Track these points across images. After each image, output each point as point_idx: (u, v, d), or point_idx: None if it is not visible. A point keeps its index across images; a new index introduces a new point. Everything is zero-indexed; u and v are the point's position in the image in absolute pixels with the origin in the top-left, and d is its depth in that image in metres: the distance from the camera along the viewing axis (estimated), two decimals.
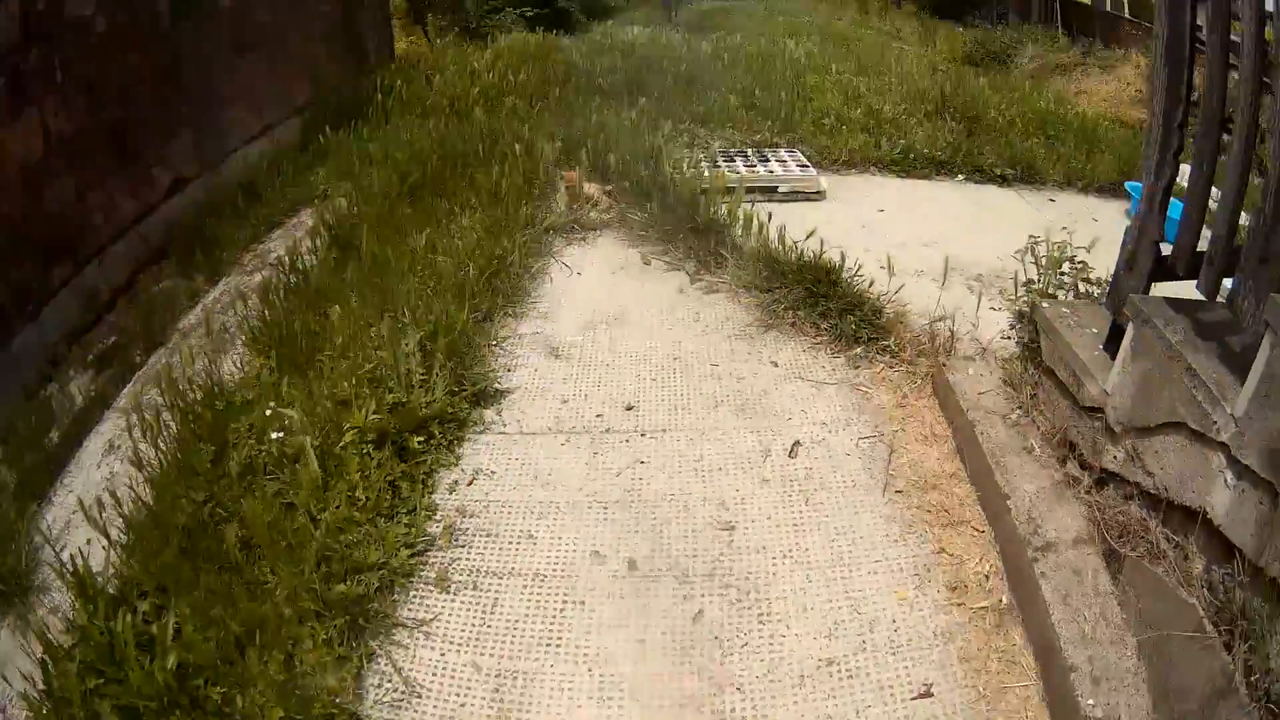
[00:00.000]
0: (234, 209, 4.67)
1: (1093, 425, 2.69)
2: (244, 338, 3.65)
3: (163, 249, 4.50)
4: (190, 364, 3.49)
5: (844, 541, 2.89)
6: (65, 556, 2.61)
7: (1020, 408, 3.21)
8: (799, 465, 3.18)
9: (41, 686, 2.15)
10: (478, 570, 2.74)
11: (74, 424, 3.52)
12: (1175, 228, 2.56)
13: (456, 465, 3.09)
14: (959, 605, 2.65)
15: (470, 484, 3.03)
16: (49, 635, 2.34)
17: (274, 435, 3.01)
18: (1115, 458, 2.58)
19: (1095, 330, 2.89)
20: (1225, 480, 2.06)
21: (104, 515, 2.78)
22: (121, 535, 2.73)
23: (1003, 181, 6.22)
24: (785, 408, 3.46)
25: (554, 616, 2.61)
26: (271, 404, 3.11)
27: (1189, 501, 2.22)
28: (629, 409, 3.41)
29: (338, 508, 2.74)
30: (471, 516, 2.91)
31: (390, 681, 2.45)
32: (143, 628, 2.39)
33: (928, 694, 2.41)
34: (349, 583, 2.56)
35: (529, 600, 2.66)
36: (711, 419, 3.38)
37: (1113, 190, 5.86)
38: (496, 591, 2.68)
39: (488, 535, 2.84)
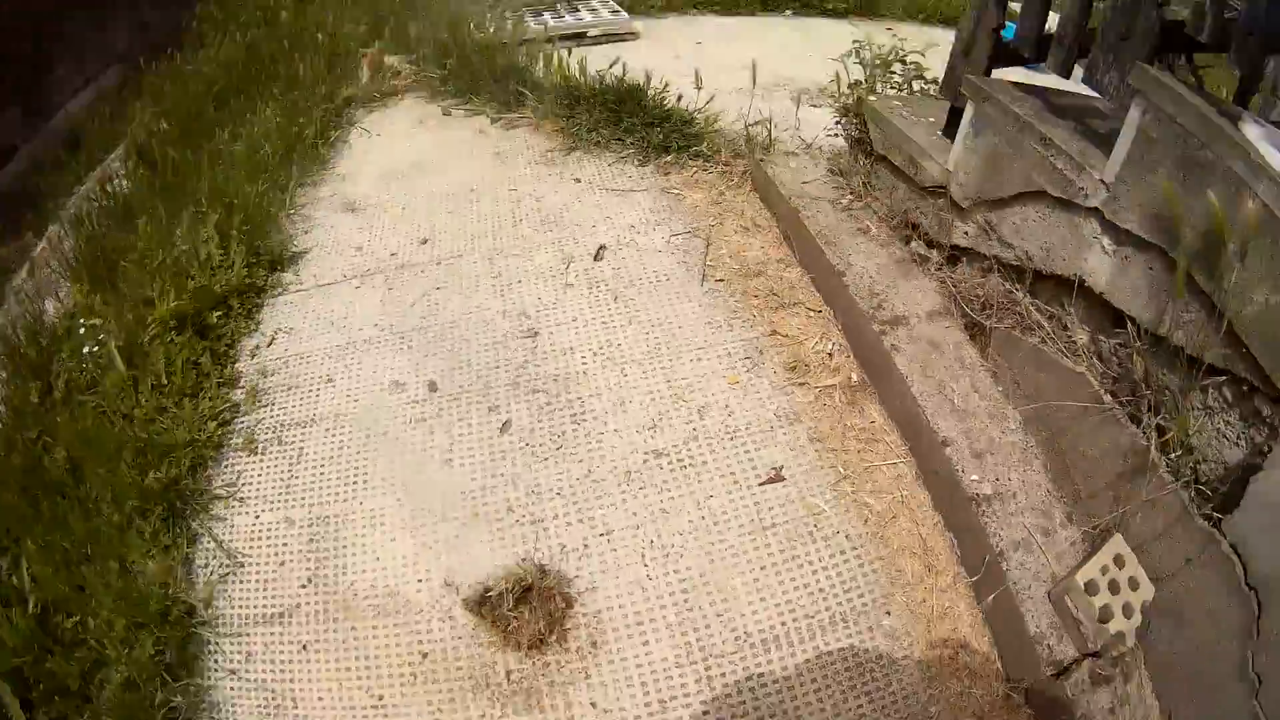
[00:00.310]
0: (58, 161, 4.56)
1: (936, 204, 2.59)
2: (64, 272, 3.54)
3: None
4: (15, 311, 3.37)
5: (660, 333, 2.77)
6: None
7: (852, 194, 3.05)
8: (605, 267, 3.04)
9: None
10: (281, 425, 2.68)
11: None
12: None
13: (257, 330, 3.01)
14: (801, 385, 2.54)
15: (270, 345, 2.95)
16: None
17: (86, 350, 2.91)
18: (966, 233, 2.48)
19: (931, 120, 2.77)
20: (1102, 246, 1.99)
21: None
22: None
23: (836, 15, 6.00)
24: (589, 218, 3.31)
25: (358, 454, 2.55)
26: (82, 321, 2.99)
27: (1060, 270, 2.15)
28: (424, 242, 3.29)
29: (146, 401, 2.70)
30: (273, 375, 2.83)
31: (215, 558, 2.41)
32: (6, 582, 2.41)
33: (778, 477, 2.31)
34: (163, 469, 2.53)
35: (332, 443, 2.59)
36: (509, 238, 3.25)
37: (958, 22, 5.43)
38: (301, 442, 2.62)
39: (289, 389, 2.77)
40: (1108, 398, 1.93)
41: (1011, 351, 2.24)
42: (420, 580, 2.30)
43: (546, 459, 2.44)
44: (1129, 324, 1.90)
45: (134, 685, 2.21)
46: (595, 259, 3.05)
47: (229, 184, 3.43)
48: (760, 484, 2.32)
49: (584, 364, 2.66)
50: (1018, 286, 2.28)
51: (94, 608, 2.33)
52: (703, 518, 2.28)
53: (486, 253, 3.15)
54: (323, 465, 2.52)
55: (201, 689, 2.24)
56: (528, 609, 2.16)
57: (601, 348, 2.71)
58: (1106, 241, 1.98)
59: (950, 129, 2.58)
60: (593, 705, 1.93)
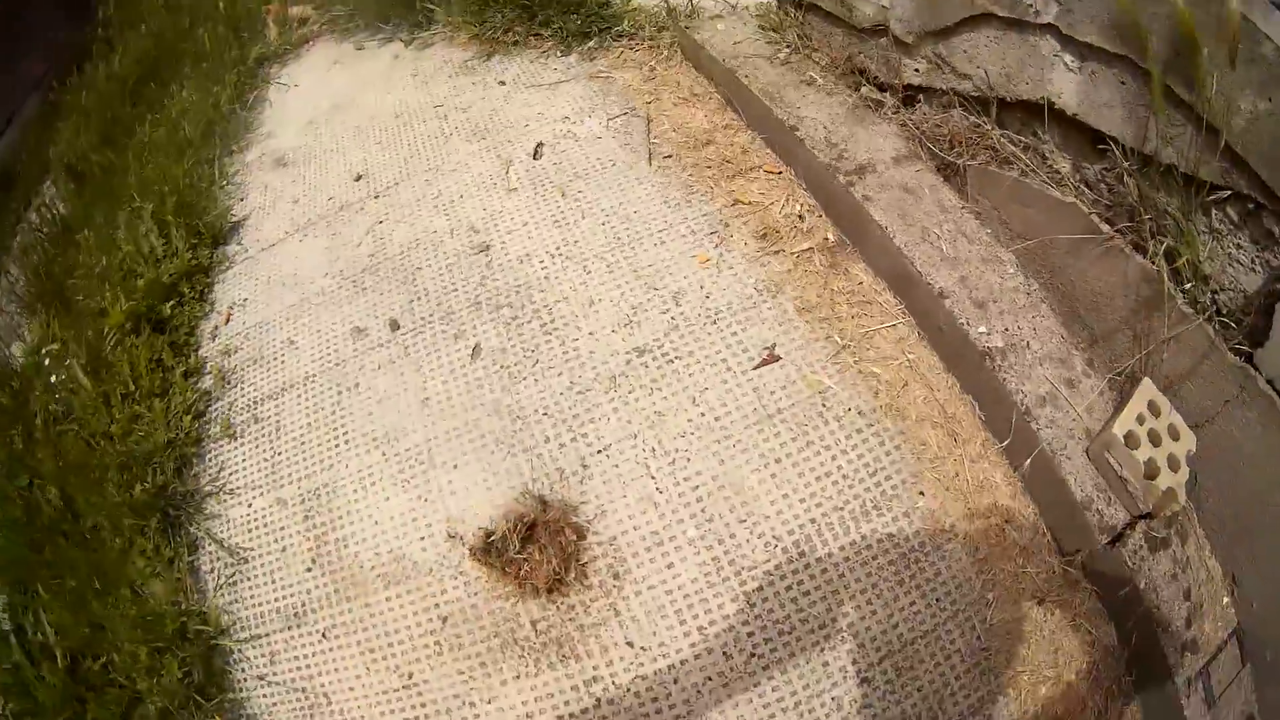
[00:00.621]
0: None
1: (879, 45, 2.34)
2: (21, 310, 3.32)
3: None
4: None
5: (617, 222, 2.44)
6: None
7: (788, 47, 2.70)
8: (546, 165, 2.70)
9: None
10: (254, 402, 2.45)
11: None
12: None
13: (212, 310, 2.77)
14: (776, 253, 2.23)
15: (228, 321, 2.71)
16: None
17: (54, 380, 2.69)
18: (917, 70, 2.25)
19: None
20: (1065, 64, 1.80)
21: None
22: None
23: None
24: (520, 117, 2.95)
25: (334, 414, 2.30)
26: (44, 350, 2.77)
27: (1025, 95, 1.94)
28: (358, 179, 2.97)
29: (120, 414, 2.51)
30: (236, 351, 2.59)
31: (218, 559, 2.19)
32: (36, 640, 2.27)
33: (773, 357, 2.03)
34: (149, 478, 2.34)
35: (307, 409, 2.35)
36: (443, 155, 2.91)
37: None
38: (276, 415, 2.38)
39: (255, 362, 2.53)
40: (1105, 227, 1.76)
41: (991, 188, 2.04)
42: (423, 538, 2.06)
43: (524, 378, 2.17)
44: (1112, 145, 1.72)
45: (169, 715, 2.05)
46: (534, 158, 2.72)
47: (157, 173, 3.20)
48: (755, 367, 2.04)
49: (543, 268, 2.36)
50: (983, 118, 2.07)
51: (115, 642, 2.16)
52: (702, 415, 2.01)
53: (422, 175, 2.82)
54: (302, 434, 2.28)
55: (236, 702, 2.07)
56: (536, 548, 1.91)
57: (558, 248, 2.40)
58: (1069, 58, 1.78)
59: None
60: (629, 645, 1.76)
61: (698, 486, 1.93)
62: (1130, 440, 1.61)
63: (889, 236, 2.03)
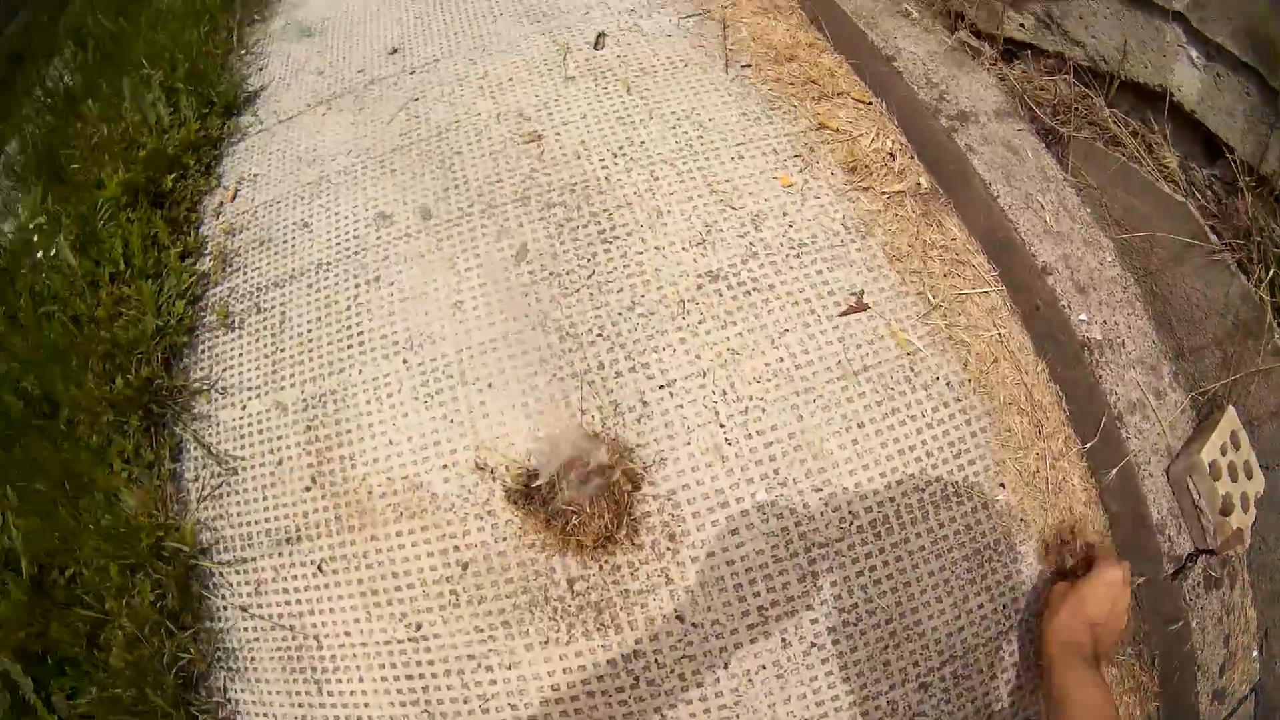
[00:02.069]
0: (4, 84, 3.88)
1: None
2: (15, 187, 2.86)
3: None
4: None
5: (689, 127, 1.98)
6: None
7: None
8: (609, 55, 2.21)
9: None
10: (257, 289, 1.99)
11: None
12: None
13: (218, 186, 2.29)
14: (865, 190, 1.82)
15: (234, 197, 2.23)
16: None
17: (40, 256, 2.23)
18: (1022, 25, 1.92)
19: None
20: (1190, 58, 1.56)
21: None
22: None
23: None
24: (579, 4, 2.44)
25: (348, 310, 1.85)
26: (33, 225, 2.30)
27: (1141, 78, 1.66)
28: (393, 52, 2.46)
29: (107, 296, 2.08)
30: (241, 231, 2.12)
31: (205, 467, 1.75)
32: (1, 543, 1.93)
33: (861, 305, 1.65)
34: (133, 370, 1.92)
35: (317, 300, 1.90)
36: (490, 33, 2.41)
37: None
38: (281, 305, 1.93)
39: (261, 244, 2.06)
40: (1213, 237, 1.53)
41: (1096, 168, 1.75)
42: (445, 466, 1.63)
43: (578, 290, 1.72)
44: (1227, 153, 1.51)
45: (137, 641, 1.68)
46: (596, 47, 2.25)
47: (169, 38, 2.74)
48: (841, 314, 1.66)
49: (604, 168, 1.90)
50: (1093, 91, 1.78)
51: (83, 556, 1.79)
52: (781, 359, 1.61)
53: (467, 53, 2.33)
54: (309, 330, 1.83)
55: (213, 634, 1.69)
56: (587, 498, 1.50)
57: (621, 148, 1.94)
58: (1194, 53, 1.54)
59: None
60: (679, 619, 1.44)
61: (772, 443, 1.55)
62: (1214, 469, 1.46)
63: (993, 195, 1.71)
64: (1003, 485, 1.52)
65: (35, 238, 2.40)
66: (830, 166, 1.90)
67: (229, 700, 1.71)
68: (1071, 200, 1.76)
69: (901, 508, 1.51)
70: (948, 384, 1.60)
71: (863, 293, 1.71)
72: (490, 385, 1.63)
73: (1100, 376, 1.53)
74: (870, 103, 2.07)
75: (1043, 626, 1.33)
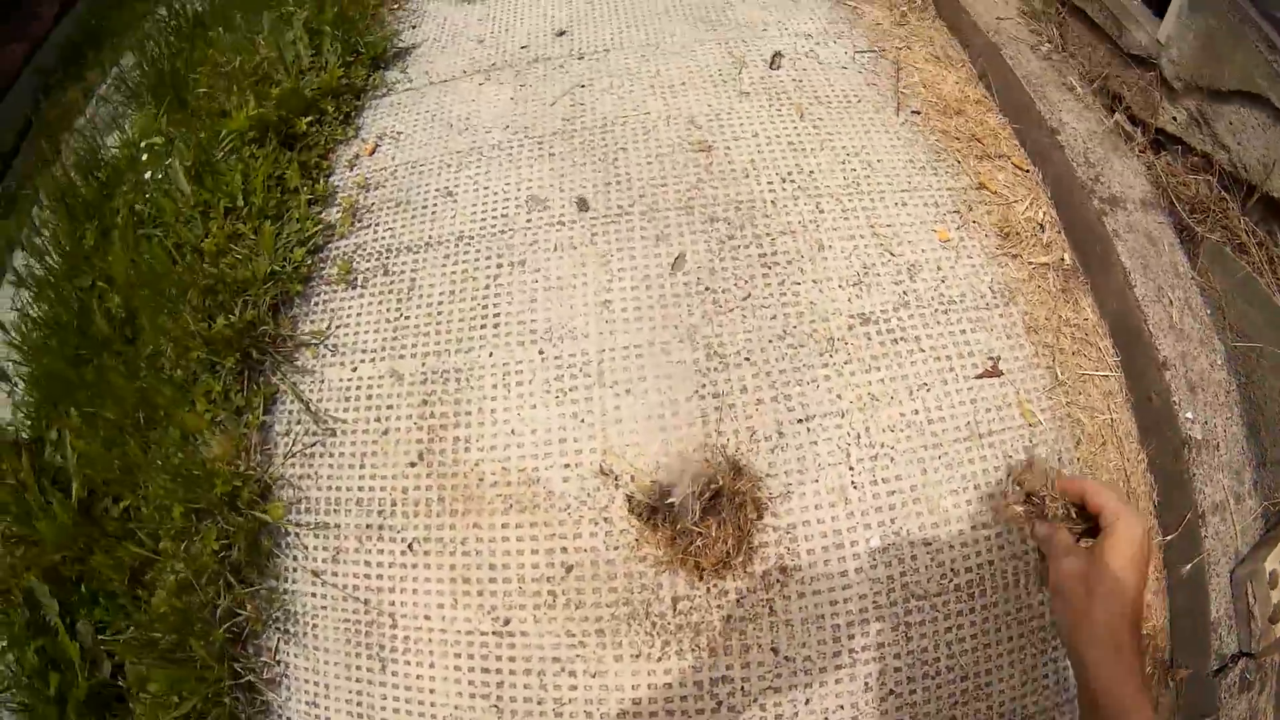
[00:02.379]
0: (122, 5, 3.98)
1: (1142, 76, 2.14)
2: (129, 102, 2.93)
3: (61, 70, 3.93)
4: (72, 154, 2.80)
5: (858, 165, 2.07)
6: None
7: (1049, 42, 2.41)
8: (784, 77, 2.31)
9: None
10: (387, 250, 2.05)
11: None
12: None
13: (355, 137, 2.37)
14: (1014, 257, 1.94)
15: (373, 152, 2.30)
16: None
17: (148, 176, 2.27)
18: (1175, 119, 2.03)
19: None
20: None
21: None
22: (20, 366, 2.24)
23: None
24: (756, 18, 2.56)
25: (487, 289, 1.91)
26: (144, 144, 2.36)
27: (1278, 193, 1.75)
28: (560, 34, 2.56)
29: (218, 229, 2.11)
30: (376, 188, 2.19)
31: (299, 423, 1.77)
32: (53, 460, 2.00)
33: (996, 371, 1.77)
34: (237, 311, 1.95)
35: (453, 273, 1.96)
36: (664, 33, 2.51)
37: None
38: (412, 271, 1.99)
39: (397, 205, 2.12)
40: None
41: (1221, 271, 1.86)
42: (568, 465, 1.68)
43: (731, 310, 1.79)
44: None
45: (189, 588, 1.70)
46: (772, 66, 2.34)
47: None
48: (977, 376, 1.77)
49: (771, 191, 1.98)
50: (1232, 196, 1.89)
51: (145, 490, 1.82)
52: (916, 412, 1.70)
53: (638, 49, 2.42)
54: (440, 303, 1.88)
55: (275, 594, 1.72)
56: (715, 521, 1.55)
57: (790, 174, 2.02)
58: None
59: None
60: (774, 651, 1.52)
61: (894, 492, 1.63)
62: (1273, 578, 1.55)
63: (1130, 284, 1.82)
64: None
65: (145, 157, 2.45)
66: (985, 228, 1.99)
67: (279, 662, 1.75)
68: (1195, 299, 1.87)
69: (997, 573, 1.60)
70: (1059, 459, 1.70)
71: (999, 359, 1.80)
72: (628, 391, 1.67)
73: (1193, 475, 1.63)
74: (1028, 170, 2.18)
75: (1071, 621, 1.08)
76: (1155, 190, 2.04)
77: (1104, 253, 1.91)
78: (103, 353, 2.08)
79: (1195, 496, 1.62)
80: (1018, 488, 1.24)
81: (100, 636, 1.84)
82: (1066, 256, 2.00)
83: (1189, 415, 1.67)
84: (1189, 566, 1.62)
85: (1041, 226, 2.04)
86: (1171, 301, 1.82)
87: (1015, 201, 2.07)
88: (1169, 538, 1.67)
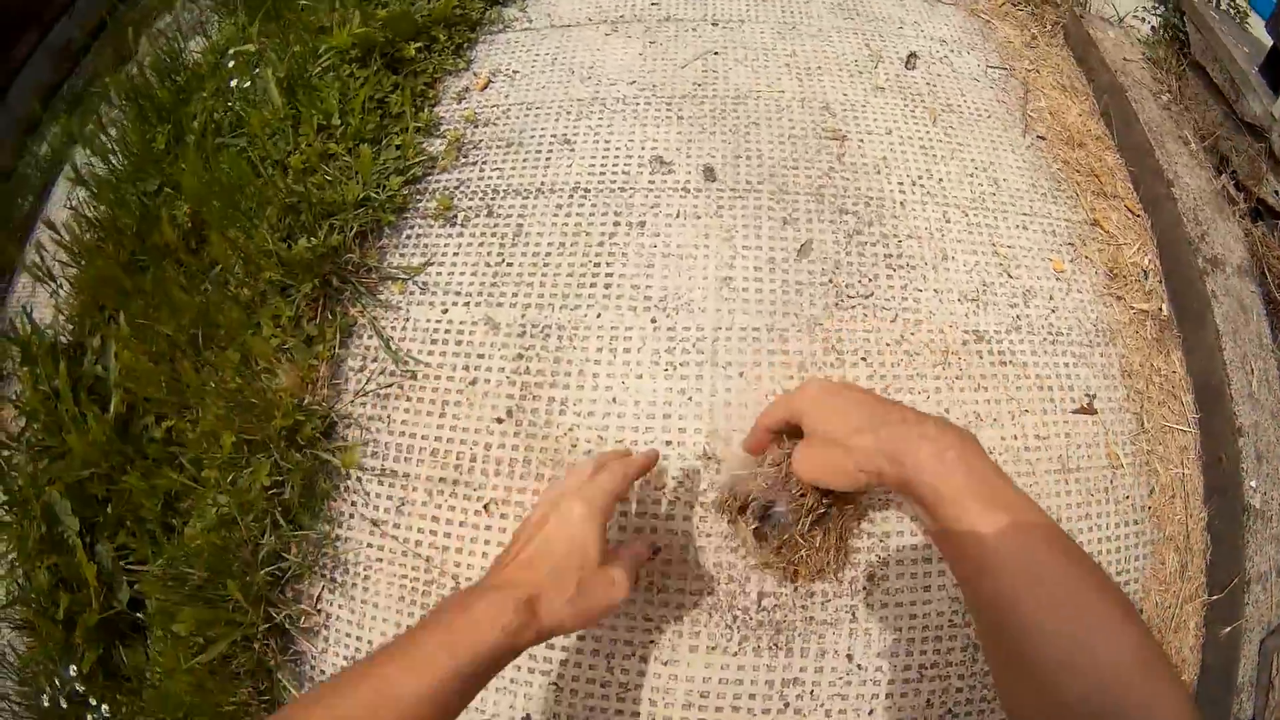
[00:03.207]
0: None
1: (1252, 144, 2.16)
2: (212, 7, 2.85)
3: None
4: (150, 55, 2.73)
5: (985, 180, 2.05)
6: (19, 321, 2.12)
7: (1169, 92, 2.43)
8: (919, 78, 2.28)
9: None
10: (493, 191, 1.97)
11: (42, 178, 2.98)
12: None
13: (467, 70, 2.28)
14: (1119, 299, 1.95)
15: (484, 88, 2.22)
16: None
17: (233, 84, 2.20)
18: (1276, 193, 2.08)
19: (1247, 50, 2.27)
20: None
21: (45, 257, 2.28)
22: (67, 267, 2.19)
23: None
24: (893, 15, 2.51)
25: (600, 245, 1.83)
26: (233, 50, 2.29)
27: None
28: None
29: (309, 145, 2.03)
30: (486, 125, 2.10)
31: (376, 361, 1.68)
32: (91, 370, 1.95)
33: (1091, 409, 1.79)
34: (320, 234, 1.87)
35: (565, 224, 1.88)
36: (801, 14, 2.45)
37: None
38: (520, 216, 1.91)
39: (507, 146, 2.04)
40: None
41: None
42: (670, 443, 1.62)
43: (853, 307, 1.74)
44: None
45: (230, 524, 1.64)
46: (907, 66, 2.31)
47: None
48: (1073, 411, 1.79)
49: (901, 193, 1.95)
50: None
51: (196, 415, 1.76)
52: (1015, 437, 1.70)
53: (774, 25, 2.37)
54: (549, 254, 1.80)
55: (326, 540, 1.65)
56: (821, 532, 1.45)
57: (920, 178, 1.99)
58: None
59: (1268, 70, 2.14)
60: (849, 658, 1.51)
61: None
62: None
63: (1221, 346, 1.88)
64: (1141, 611, 1.64)
65: (231, 64, 2.37)
66: (1096, 265, 1.99)
67: (319, 611, 1.69)
68: (1273, 372, 1.94)
69: None
70: (1133, 505, 1.74)
71: (1095, 397, 1.82)
72: (741, 374, 1.62)
73: (1246, 542, 1.70)
74: (1139, 215, 2.19)
75: (845, 471, 1.07)
76: (1250, 258, 2.11)
77: (1200, 311, 1.96)
78: (163, 261, 1.98)
79: (1245, 563, 1.69)
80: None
81: (122, 564, 1.75)
82: (1164, 308, 2.05)
83: (1252, 484, 1.72)
84: (1227, 630, 1.68)
85: (1145, 274, 2.07)
86: (1253, 370, 1.89)
87: (1125, 244, 2.09)
88: (1214, 598, 1.73)
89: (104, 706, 1.76)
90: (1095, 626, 0.83)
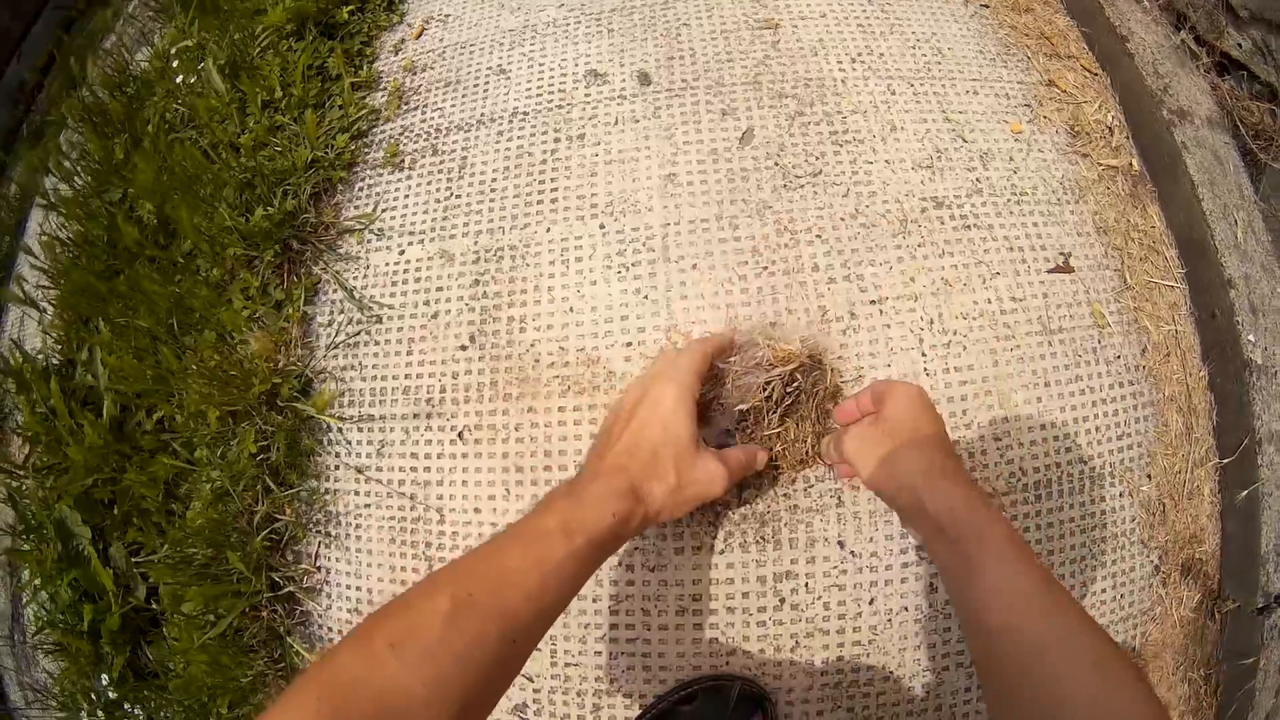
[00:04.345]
0: None
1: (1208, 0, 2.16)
2: (156, 15, 2.96)
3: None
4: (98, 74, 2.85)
5: (928, 50, 2.08)
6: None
7: None
8: None
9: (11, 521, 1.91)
10: (436, 131, 2.04)
11: (14, 216, 3.07)
12: None
13: (400, 23, 2.36)
14: (1084, 156, 1.97)
15: (419, 35, 2.30)
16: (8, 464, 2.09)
17: (180, 81, 2.30)
18: (1239, 45, 2.10)
19: None
20: None
21: (26, 286, 2.40)
22: (48, 290, 2.32)
23: None
24: None
25: (543, 163, 1.90)
26: (175, 48, 2.39)
27: None
28: None
29: (257, 123, 2.12)
30: (424, 70, 2.18)
31: (342, 312, 1.77)
32: (83, 381, 2.06)
33: (1067, 267, 1.80)
34: (276, 202, 1.96)
35: (507, 149, 1.94)
36: None
37: None
38: (464, 150, 1.98)
39: (446, 85, 2.12)
40: None
41: None
42: (630, 344, 1.67)
43: (801, 186, 1.78)
44: None
45: (227, 496, 1.72)
46: None
47: None
48: (1049, 270, 1.80)
49: (841, 71, 1.98)
50: None
51: (181, 399, 1.85)
52: (989, 301, 1.72)
53: None
54: (494, 180, 1.87)
55: (316, 495, 1.73)
56: (794, 421, 1.52)
57: (860, 54, 2.02)
58: None
59: None
60: (840, 545, 1.53)
61: (966, 383, 1.64)
62: None
63: (1197, 195, 1.88)
64: (1149, 477, 1.66)
65: (175, 64, 2.47)
66: (1056, 125, 2.01)
67: (319, 568, 1.76)
68: (1258, 223, 1.93)
69: (1065, 475, 1.61)
70: (1125, 365, 1.73)
71: (1070, 255, 1.83)
72: (694, 266, 1.65)
73: (1252, 399, 1.69)
74: (1097, 74, 2.20)
75: (877, 463, 1.22)
76: (1220, 111, 2.11)
77: (1172, 163, 1.97)
78: (134, 262, 2.08)
79: (1254, 422, 1.67)
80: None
81: (134, 560, 1.85)
82: (1134, 163, 2.04)
83: (1250, 338, 1.71)
84: (1244, 494, 1.67)
85: (1110, 130, 2.07)
86: (1236, 222, 1.87)
87: (1085, 102, 2.10)
88: (1225, 461, 1.72)
89: (137, 709, 1.84)
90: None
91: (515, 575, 1.00)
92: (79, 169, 2.48)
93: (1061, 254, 1.82)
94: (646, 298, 1.65)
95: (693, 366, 1.22)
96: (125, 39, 3.10)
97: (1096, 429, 1.64)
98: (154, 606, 1.89)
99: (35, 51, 3.81)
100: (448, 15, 2.29)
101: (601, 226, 1.74)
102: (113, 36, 3.29)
